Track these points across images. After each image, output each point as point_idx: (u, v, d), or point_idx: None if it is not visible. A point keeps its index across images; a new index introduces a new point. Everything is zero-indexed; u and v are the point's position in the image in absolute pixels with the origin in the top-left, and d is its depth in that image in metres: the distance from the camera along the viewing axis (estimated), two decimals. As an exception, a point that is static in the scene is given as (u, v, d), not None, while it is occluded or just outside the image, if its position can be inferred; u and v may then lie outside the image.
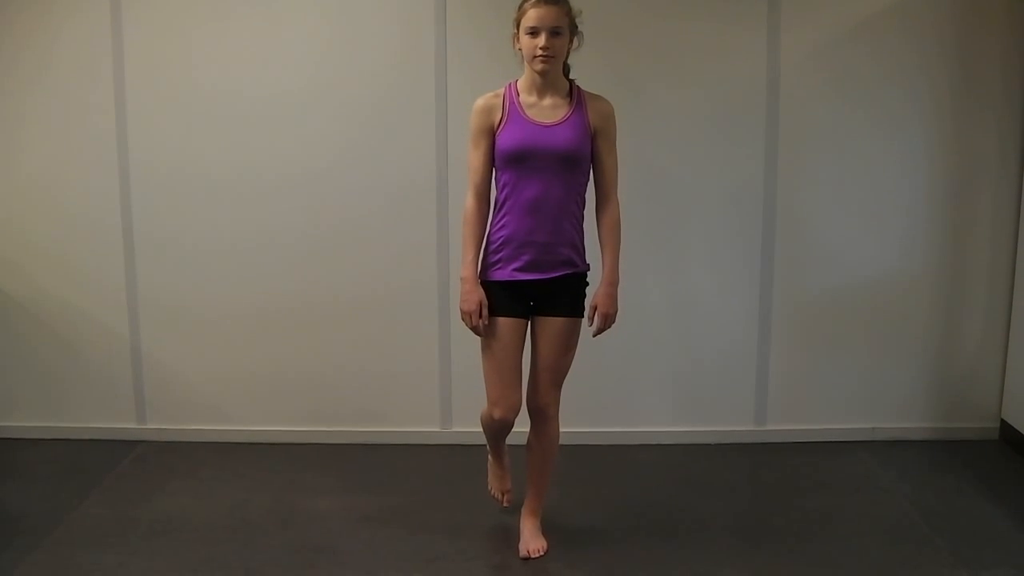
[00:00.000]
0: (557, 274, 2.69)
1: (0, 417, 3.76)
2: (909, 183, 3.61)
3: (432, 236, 3.60)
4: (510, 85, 2.70)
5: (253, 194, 3.59)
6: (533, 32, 2.57)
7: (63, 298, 3.68)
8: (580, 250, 2.74)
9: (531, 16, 2.56)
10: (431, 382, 3.70)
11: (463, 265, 2.70)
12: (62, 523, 3.02)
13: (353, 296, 3.64)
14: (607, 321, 2.75)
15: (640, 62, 3.50)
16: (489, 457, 3.09)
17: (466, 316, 2.69)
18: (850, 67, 3.52)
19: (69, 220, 3.62)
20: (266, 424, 3.74)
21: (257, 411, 3.73)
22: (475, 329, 2.70)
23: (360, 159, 3.57)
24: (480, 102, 2.68)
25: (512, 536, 2.89)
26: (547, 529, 2.90)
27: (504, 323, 2.70)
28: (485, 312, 2.67)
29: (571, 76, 2.72)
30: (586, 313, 2.75)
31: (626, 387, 3.70)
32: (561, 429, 2.83)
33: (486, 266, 2.73)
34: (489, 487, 3.12)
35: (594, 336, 2.76)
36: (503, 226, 2.69)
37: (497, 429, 2.89)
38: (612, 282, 2.73)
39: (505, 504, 3.09)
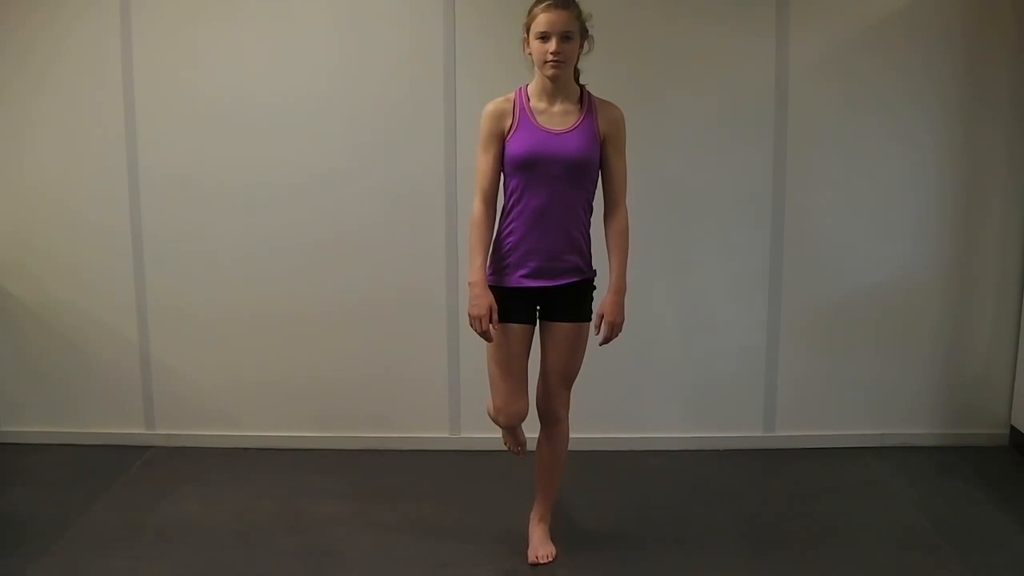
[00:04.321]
0: (564, 281, 2.69)
1: (9, 422, 3.78)
2: (918, 188, 3.60)
3: (441, 241, 3.60)
4: (520, 90, 2.69)
5: (262, 199, 3.60)
6: (544, 37, 2.56)
7: (72, 303, 3.69)
8: (587, 256, 2.74)
9: (541, 21, 2.55)
10: (440, 388, 3.70)
11: (471, 270, 2.67)
12: (71, 528, 3.02)
13: (362, 301, 3.65)
14: (614, 330, 2.73)
15: (649, 67, 3.50)
16: None
17: (475, 321, 2.65)
18: (859, 72, 3.51)
19: (78, 225, 3.64)
20: (274, 429, 3.74)
21: (266, 416, 3.74)
22: (484, 334, 2.67)
23: (369, 164, 3.57)
24: (491, 107, 2.67)
25: (521, 542, 2.88)
26: (556, 535, 2.90)
27: (511, 329, 2.70)
28: (495, 317, 2.65)
29: (581, 81, 2.71)
30: (593, 321, 2.75)
31: (635, 393, 3.70)
32: (571, 435, 2.83)
33: (494, 271, 2.72)
34: (504, 441, 3.04)
35: (601, 345, 2.75)
36: (511, 232, 2.69)
37: (502, 429, 2.90)
38: (619, 290, 2.71)
39: (520, 455, 3.02)
